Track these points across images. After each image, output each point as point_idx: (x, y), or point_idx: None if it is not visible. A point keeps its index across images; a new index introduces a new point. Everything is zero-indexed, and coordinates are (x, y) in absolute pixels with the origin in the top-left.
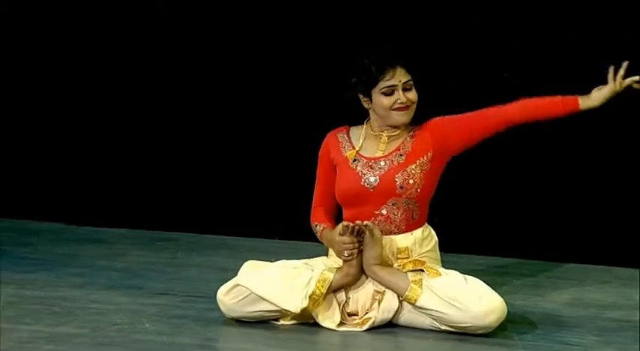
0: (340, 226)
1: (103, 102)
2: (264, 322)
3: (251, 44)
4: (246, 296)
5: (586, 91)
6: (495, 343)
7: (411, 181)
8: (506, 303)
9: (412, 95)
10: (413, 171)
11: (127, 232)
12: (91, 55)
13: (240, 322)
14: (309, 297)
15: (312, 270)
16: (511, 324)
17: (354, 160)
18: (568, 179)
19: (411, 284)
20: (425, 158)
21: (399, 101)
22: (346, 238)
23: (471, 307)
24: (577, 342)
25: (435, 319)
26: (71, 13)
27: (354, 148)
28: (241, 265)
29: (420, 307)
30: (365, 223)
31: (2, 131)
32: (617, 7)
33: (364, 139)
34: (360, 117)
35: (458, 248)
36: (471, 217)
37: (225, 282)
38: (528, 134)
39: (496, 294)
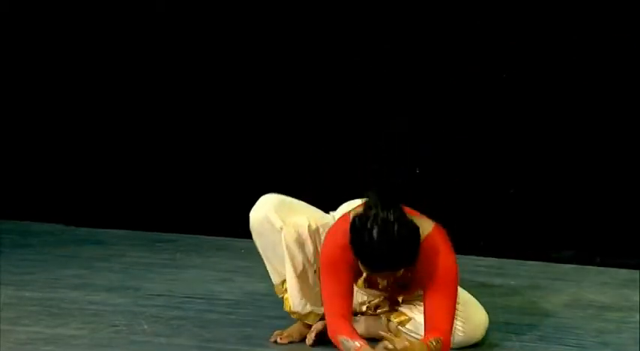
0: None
1: (102, 104)
2: (263, 323)
3: (249, 48)
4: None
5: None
6: (494, 344)
7: (415, 293)
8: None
9: (399, 277)
10: (414, 291)
11: (126, 234)
12: (90, 57)
13: (240, 323)
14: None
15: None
16: (509, 325)
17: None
18: (567, 180)
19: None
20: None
21: (379, 285)
22: None
23: (456, 338)
24: (576, 343)
25: None
26: (71, 13)
27: (362, 273)
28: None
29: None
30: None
31: (2, 133)
32: (617, 7)
33: None
34: (357, 117)
35: (456, 249)
36: (469, 218)
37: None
38: (528, 135)
39: (470, 310)
